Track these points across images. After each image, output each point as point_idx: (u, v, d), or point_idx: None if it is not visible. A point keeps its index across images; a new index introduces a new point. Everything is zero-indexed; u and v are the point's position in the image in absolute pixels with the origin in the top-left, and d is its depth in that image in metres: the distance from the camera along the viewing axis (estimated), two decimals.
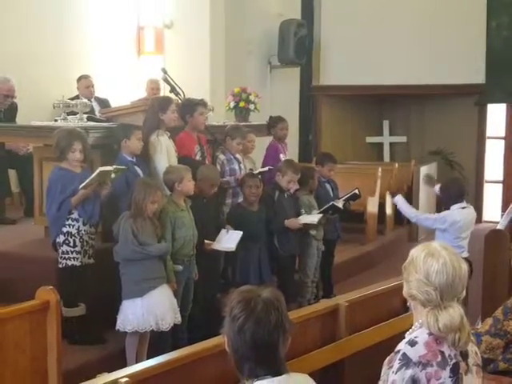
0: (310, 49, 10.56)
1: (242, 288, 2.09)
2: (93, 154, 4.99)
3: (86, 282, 4.73)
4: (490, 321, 3.23)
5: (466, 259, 5.14)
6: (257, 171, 5.88)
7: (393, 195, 6.41)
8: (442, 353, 2.18)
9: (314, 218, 5.77)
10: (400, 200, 5.92)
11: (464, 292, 2.25)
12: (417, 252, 2.27)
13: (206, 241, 4.96)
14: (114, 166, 4.65)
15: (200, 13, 8.65)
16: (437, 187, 6.15)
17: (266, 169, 6.02)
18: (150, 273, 4.41)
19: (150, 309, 4.35)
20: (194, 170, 5.00)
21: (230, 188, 5.72)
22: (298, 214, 5.81)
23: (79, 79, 7.62)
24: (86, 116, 5.59)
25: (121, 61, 9.08)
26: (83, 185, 4.56)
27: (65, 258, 4.66)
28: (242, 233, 5.04)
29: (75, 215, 4.66)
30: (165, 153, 5.16)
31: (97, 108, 7.23)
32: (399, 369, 2.16)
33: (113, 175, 4.66)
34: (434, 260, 2.21)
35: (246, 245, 5.12)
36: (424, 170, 9.88)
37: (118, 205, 4.79)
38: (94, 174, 4.59)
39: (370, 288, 4.05)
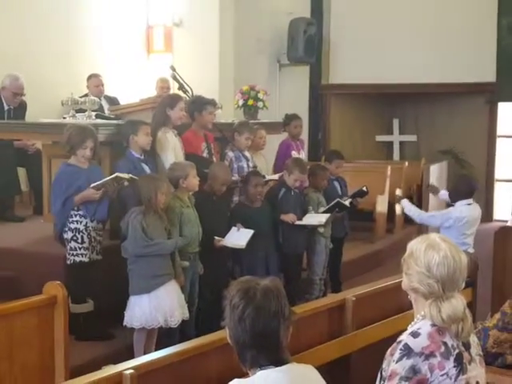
0: (320, 47, 10.54)
1: (241, 278, 2.10)
2: (101, 150, 5.00)
3: (94, 278, 4.74)
4: (497, 315, 3.22)
5: (472, 254, 5.16)
6: (267, 178, 5.87)
7: (397, 200, 6.43)
8: (445, 343, 2.18)
9: (321, 218, 5.75)
10: (406, 203, 6.00)
11: (464, 283, 2.25)
12: (416, 245, 2.27)
13: (216, 237, 4.96)
14: (130, 175, 4.67)
15: (209, 11, 8.67)
16: (442, 192, 6.18)
17: (276, 177, 5.99)
18: (158, 269, 4.41)
19: (158, 305, 4.35)
20: (201, 167, 5.01)
21: (236, 186, 5.71)
22: (305, 212, 5.80)
23: (89, 78, 7.62)
24: (94, 113, 5.61)
25: (130, 59, 9.12)
26: (94, 184, 4.59)
27: (73, 255, 4.68)
28: (253, 231, 5.04)
29: (83, 212, 4.68)
30: (172, 150, 5.17)
31: (106, 106, 7.24)
32: (400, 358, 2.16)
33: (126, 183, 4.67)
34: (434, 252, 2.21)
35: (252, 243, 5.12)
36: (434, 168, 9.83)
37: (125, 203, 4.81)
38: (109, 177, 4.63)
39: (377, 283, 4.05)
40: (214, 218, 5.00)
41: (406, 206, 5.97)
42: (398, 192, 8.36)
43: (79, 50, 8.44)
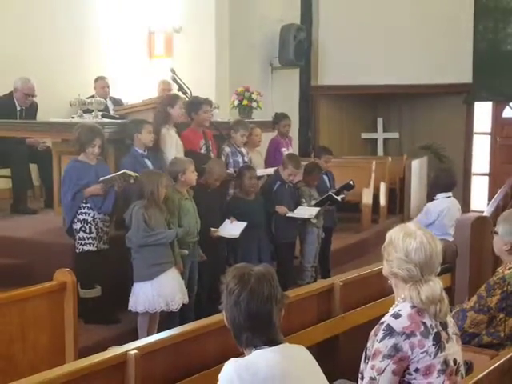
0: (309, 51, 10.53)
1: (236, 265, 2.11)
2: (107, 148, 4.99)
3: (101, 266, 4.73)
4: (474, 298, 3.23)
5: (452, 242, 5.16)
6: (262, 173, 5.85)
7: None
8: (424, 323, 2.19)
9: (312, 211, 5.73)
10: None
11: (439, 267, 2.26)
12: (395, 233, 2.29)
13: (211, 228, 4.96)
14: (136, 174, 4.66)
15: (206, 19, 8.64)
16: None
17: (271, 171, 5.98)
18: (160, 258, 4.41)
19: (160, 291, 4.35)
20: (199, 162, 5.01)
21: (232, 179, 5.71)
22: (298, 204, 5.80)
23: (96, 80, 7.61)
24: (100, 113, 5.59)
25: (133, 63, 9.08)
26: (103, 178, 4.59)
27: (81, 244, 4.67)
28: (246, 223, 5.04)
29: (90, 204, 4.67)
30: (174, 146, 5.18)
31: (111, 106, 7.22)
32: (383, 338, 2.17)
33: (132, 180, 4.67)
34: (411, 239, 2.23)
35: (246, 233, 5.12)
36: (415, 163, 9.86)
37: (129, 197, 4.80)
38: (117, 173, 4.63)
39: (362, 269, 4.05)
40: (209, 209, 5.00)
41: None
42: (381, 187, 8.35)
43: (86, 54, 8.42)
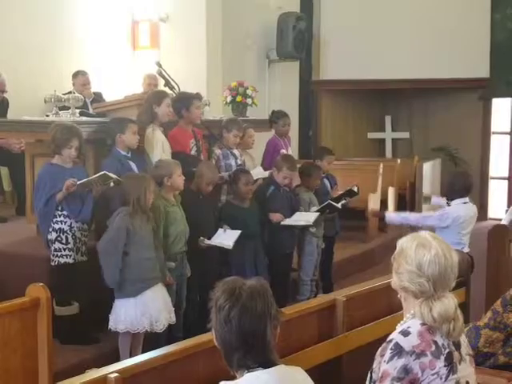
0: (310, 42, 10.56)
1: (226, 279, 2.11)
2: (86, 149, 4.99)
3: (79, 280, 4.73)
4: (489, 314, 3.24)
5: (467, 254, 5.18)
6: (257, 177, 5.86)
7: (377, 216, 6.26)
8: (436, 342, 2.19)
9: (309, 217, 5.74)
10: (391, 215, 5.82)
11: (455, 282, 2.26)
12: (407, 243, 2.28)
13: (201, 237, 4.96)
14: (116, 177, 4.66)
15: (196, 6, 8.65)
16: (433, 199, 6.13)
17: (267, 174, 5.99)
18: (145, 273, 4.39)
19: (144, 309, 4.34)
20: (188, 165, 5.01)
21: (224, 184, 5.71)
22: (295, 211, 5.80)
23: (76, 75, 7.49)
24: (78, 111, 5.59)
25: (115, 55, 9.07)
26: (80, 182, 4.58)
27: (57, 256, 4.67)
28: (240, 232, 5.04)
29: (67, 212, 4.66)
30: (160, 147, 5.17)
31: (90, 103, 7.20)
32: (391, 358, 2.17)
33: (112, 184, 4.67)
34: (425, 251, 2.22)
35: (240, 243, 5.12)
36: (427, 166, 9.89)
37: (110, 202, 4.80)
38: (96, 175, 4.62)
39: (368, 283, 4.06)
40: (201, 217, 4.99)
41: (393, 220, 5.74)
42: (390, 192, 8.38)
43: (62, 45, 8.40)
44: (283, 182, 5.73)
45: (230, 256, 5.22)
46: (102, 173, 4.63)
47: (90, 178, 4.63)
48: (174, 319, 4.49)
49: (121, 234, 4.32)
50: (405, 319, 2.28)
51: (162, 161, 4.93)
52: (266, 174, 5.98)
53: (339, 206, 6.01)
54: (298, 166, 6.11)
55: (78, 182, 4.59)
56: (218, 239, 5.05)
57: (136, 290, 4.35)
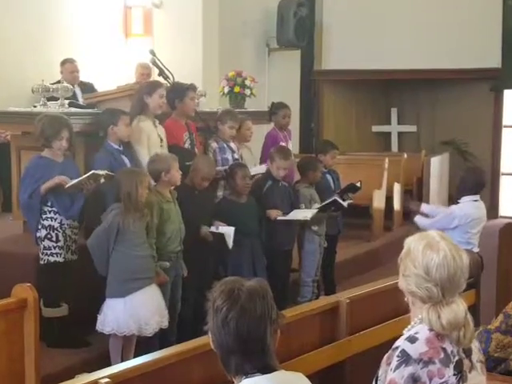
0: (312, 30, 10.56)
1: (224, 279, 2.10)
2: (76, 142, 4.98)
3: (69, 280, 4.73)
4: (500, 317, 3.24)
5: (477, 254, 5.18)
6: (253, 172, 5.85)
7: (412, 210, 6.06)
8: (445, 349, 2.18)
9: (306, 213, 5.72)
10: (422, 220, 5.59)
11: (465, 284, 2.25)
12: (414, 243, 2.25)
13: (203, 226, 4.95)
14: (106, 172, 4.66)
15: None
16: (422, 206, 5.97)
17: (263, 169, 6.00)
18: (137, 272, 4.40)
19: (132, 311, 4.33)
20: (183, 159, 5.00)
21: (221, 179, 5.70)
22: (294, 207, 5.80)
23: (63, 63, 7.51)
24: (67, 102, 5.59)
25: (106, 43, 9.05)
26: (69, 185, 4.58)
27: (47, 254, 4.67)
28: (234, 228, 5.03)
29: (57, 208, 4.66)
30: (144, 141, 5.14)
31: (80, 94, 7.20)
32: (398, 366, 2.16)
33: (102, 180, 4.67)
34: (433, 253, 2.20)
35: (237, 240, 5.12)
36: (435, 161, 9.90)
37: (102, 198, 4.80)
38: (85, 176, 4.62)
39: (373, 284, 4.07)
40: (196, 214, 4.99)
41: (422, 224, 5.57)
42: (395, 188, 8.35)
43: (51, 33, 8.36)
44: (278, 175, 5.71)
45: (227, 254, 5.21)
46: (91, 173, 4.63)
47: (80, 178, 4.61)
48: (166, 323, 4.48)
49: (111, 231, 4.34)
50: (412, 323, 2.27)
51: (158, 155, 4.92)
52: (263, 168, 5.97)
53: (345, 204, 6.00)
54: (297, 160, 6.10)
55: (67, 185, 4.58)
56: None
57: (126, 290, 4.35)
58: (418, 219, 5.68)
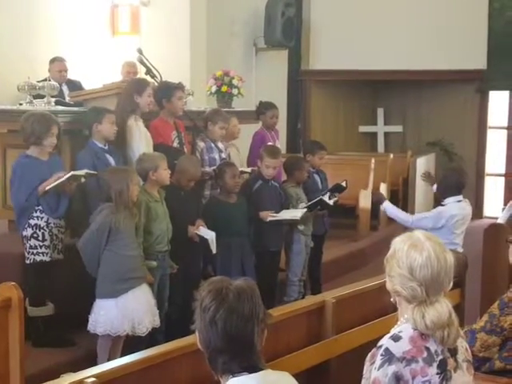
0: (299, 30, 10.59)
1: (212, 278, 2.11)
2: (62, 140, 4.97)
3: (55, 280, 4.72)
4: (485, 317, 3.26)
5: (462, 254, 5.20)
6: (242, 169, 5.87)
7: (377, 199, 6.21)
8: (428, 349, 2.20)
9: (296, 213, 5.74)
10: (389, 206, 5.73)
11: (451, 284, 2.27)
12: (399, 244, 2.28)
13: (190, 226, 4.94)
14: (86, 171, 4.65)
15: None
16: (435, 186, 6.15)
17: (249, 170, 6.00)
18: (128, 272, 4.38)
19: (126, 311, 4.32)
20: (171, 158, 5.00)
21: (209, 179, 5.69)
22: (284, 207, 5.81)
23: (52, 61, 7.44)
24: (53, 100, 5.56)
25: (93, 41, 9.02)
26: (49, 188, 4.56)
27: (33, 253, 4.64)
28: (214, 234, 4.99)
29: (43, 207, 4.64)
30: (143, 139, 5.16)
31: (67, 92, 7.16)
32: (381, 365, 2.18)
33: (83, 179, 4.66)
34: (417, 253, 2.22)
35: (226, 240, 5.11)
36: (421, 161, 9.95)
37: (87, 198, 4.79)
38: (64, 178, 4.59)
39: (359, 284, 4.08)
40: (183, 214, 4.98)
41: (389, 210, 5.70)
42: (381, 189, 8.40)
43: (37, 30, 8.32)
44: (268, 173, 5.71)
45: (215, 255, 5.20)
46: (70, 174, 4.61)
47: (59, 180, 4.57)
48: (158, 322, 4.48)
49: (103, 232, 4.32)
50: (398, 323, 2.29)
51: (146, 154, 4.93)
52: (248, 169, 6.00)
53: (331, 202, 6.03)
54: (283, 160, 6.12)
55: (47, 187, 4.56)
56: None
57: (118, 290, 4.34)
58: (388, 206, 5.72)
